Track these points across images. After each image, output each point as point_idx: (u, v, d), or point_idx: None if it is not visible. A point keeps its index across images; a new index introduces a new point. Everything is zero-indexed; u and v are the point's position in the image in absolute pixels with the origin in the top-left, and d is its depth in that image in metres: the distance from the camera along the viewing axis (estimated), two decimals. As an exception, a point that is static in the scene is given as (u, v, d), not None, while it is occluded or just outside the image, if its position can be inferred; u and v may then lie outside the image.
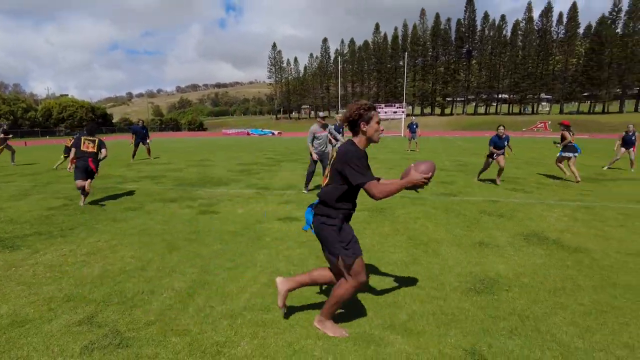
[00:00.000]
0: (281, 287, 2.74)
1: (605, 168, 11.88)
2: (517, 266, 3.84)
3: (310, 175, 7.90)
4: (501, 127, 9.22)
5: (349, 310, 2.92)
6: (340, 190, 2.45)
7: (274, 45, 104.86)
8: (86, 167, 6.62)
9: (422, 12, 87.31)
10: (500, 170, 9.06)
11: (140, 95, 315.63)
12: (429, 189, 8.15)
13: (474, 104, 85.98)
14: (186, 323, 2.74)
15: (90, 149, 6.77)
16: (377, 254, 4.17)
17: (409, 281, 3.48)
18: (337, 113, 54.80)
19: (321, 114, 7.99)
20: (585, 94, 73.44)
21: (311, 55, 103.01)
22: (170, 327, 2.68)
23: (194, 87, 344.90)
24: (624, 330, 2.66)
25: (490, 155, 9.24)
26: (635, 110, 69.37)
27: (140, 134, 15.57)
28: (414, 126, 19.77)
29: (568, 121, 10.02)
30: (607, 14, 70.52)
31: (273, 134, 53.80)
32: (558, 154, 9.77)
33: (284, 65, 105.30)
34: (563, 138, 9.55)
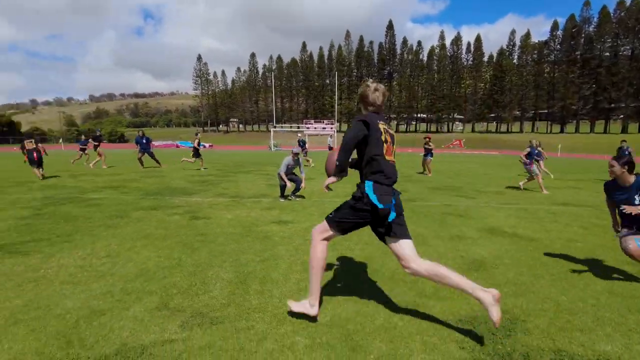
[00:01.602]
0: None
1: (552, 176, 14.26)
2: (494, 251, 4.73)
3: (283, 187, 8.34)
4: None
5: (392, 291, 3.53)
6: None
7: (199, 57, 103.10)
8: None
9: (347, 34, 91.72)
10: None
11: (47, 103, 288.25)
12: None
13: (396, 122, 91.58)
14: (257, 303, 3.15)
15: None
16: (379, 246, 4.82)
17: (419, 265, 4.18)
18: (274, 127, 55.42)
19: (295, 150, 8.39)
20: (492, 115, 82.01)
21: (239, 69, 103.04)
22: (246, 307, 3.08)
23: (110, 97, 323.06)
24: (588, 289, 3.58)
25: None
26: (532, 131, 78.99)
27: (142, 144, 16.18)
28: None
29: (430, 135, 15.21)
30: (505, 47, 79.98)
31: (204, 146, 52.67)
32: (427, 157, 14.54)
33: (211, 77, 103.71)
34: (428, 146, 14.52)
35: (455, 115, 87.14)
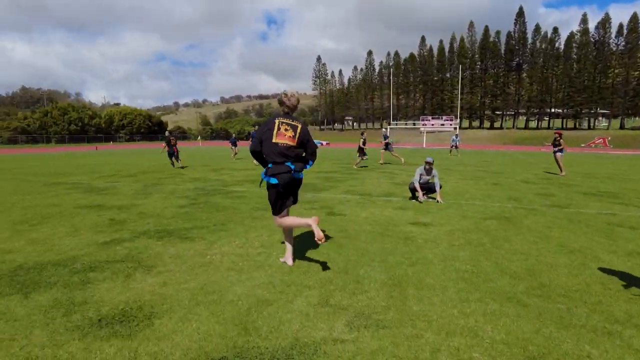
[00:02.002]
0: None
1: None
2: (696, 275, 3.87)
3: (413, 190, 8.04)
4: None
5: (570, 312, 3.09)
6: None
7: (319, 58, 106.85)
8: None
9: (470, 25, 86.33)
10: None
11: (186, 105, 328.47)
12: (535, 201, 8.16)
13: (525, 118, 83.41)
14: (419, 309, 2.99)
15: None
16: (539, 258, 4.30)
17: (598, 282, 3.59)
18: (389, 124, 54.97)
19: (429, 159, 8.03)
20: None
21: (355, 67, 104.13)
22: (408, 312, 2.95)
23: (238, 98, 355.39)
24: None
25: None
26: None
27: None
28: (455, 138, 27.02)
29: (561, 132, 14.20)
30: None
31: (322, 144, 54.58)
32: (557, 153, 13.70)
33: (328, 77, 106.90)
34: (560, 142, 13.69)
35: (599, 110, 75.96)
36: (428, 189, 8.03)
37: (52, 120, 61.89)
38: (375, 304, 3.07)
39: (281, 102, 3.95)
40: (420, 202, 7.77)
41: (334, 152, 31.76)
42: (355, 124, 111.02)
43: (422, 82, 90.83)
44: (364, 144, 16.09)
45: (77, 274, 3.74)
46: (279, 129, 3.79)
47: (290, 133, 3.80)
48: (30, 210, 6.97)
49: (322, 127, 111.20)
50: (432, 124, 57.20)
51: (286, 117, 3.89)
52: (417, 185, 7.89)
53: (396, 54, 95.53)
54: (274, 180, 3.72)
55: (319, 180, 11.24)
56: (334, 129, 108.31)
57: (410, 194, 8.23)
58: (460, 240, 4.94)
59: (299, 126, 3.89)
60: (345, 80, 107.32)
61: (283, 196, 3.86)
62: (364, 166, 16.71)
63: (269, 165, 3.78)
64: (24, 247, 4.66)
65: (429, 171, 8.00)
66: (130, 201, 7.83)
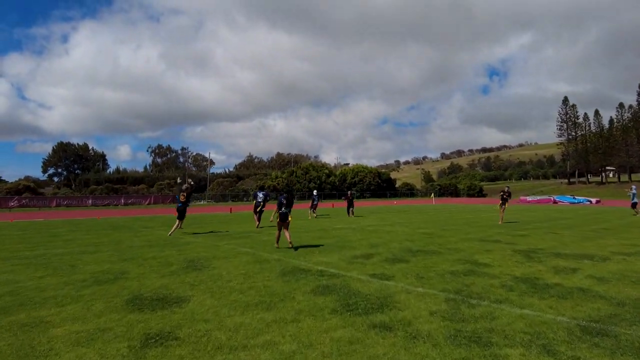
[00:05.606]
0: None
1: None
2: None
3: None
4: None
5: None
6: None
7: (565, 100, 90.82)
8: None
9: None
10: None
11: (406, 163, 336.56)
12: None
13: None
14: None
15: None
16: None
17: None
18: None
19: None
20: None
21: (621, 105, 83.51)
22: None
23: (459, 153, 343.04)
24: None
25: None
26: None
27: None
28: None
29: None
30: None
31: (590, 202, 42.10)
32: None
33: (579, 120, 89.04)
34: None
35: None
36: None
37: (296, 179, 69.19)
38: None
39: (183, 189, 13.49)
40: None
41: (617, 214, 21.14)
42: (620, 175, 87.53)
43: None
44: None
45: None
46: (183, 194, 13.31)
47: (183, 197, 13.25)
48: None
49: (571, 179, 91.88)
50: None
51: (186, 189, 13.40)
52: None
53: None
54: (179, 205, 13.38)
55: None
56: (589, 182, 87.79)
57: None
58: None
59: (188, 192, 13.49)
60: (605, 122, 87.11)
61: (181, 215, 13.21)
62: None
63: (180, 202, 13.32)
64: None
65: None
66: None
